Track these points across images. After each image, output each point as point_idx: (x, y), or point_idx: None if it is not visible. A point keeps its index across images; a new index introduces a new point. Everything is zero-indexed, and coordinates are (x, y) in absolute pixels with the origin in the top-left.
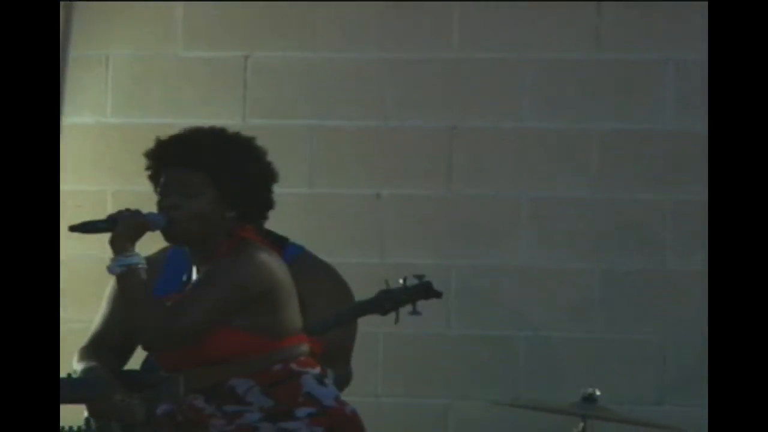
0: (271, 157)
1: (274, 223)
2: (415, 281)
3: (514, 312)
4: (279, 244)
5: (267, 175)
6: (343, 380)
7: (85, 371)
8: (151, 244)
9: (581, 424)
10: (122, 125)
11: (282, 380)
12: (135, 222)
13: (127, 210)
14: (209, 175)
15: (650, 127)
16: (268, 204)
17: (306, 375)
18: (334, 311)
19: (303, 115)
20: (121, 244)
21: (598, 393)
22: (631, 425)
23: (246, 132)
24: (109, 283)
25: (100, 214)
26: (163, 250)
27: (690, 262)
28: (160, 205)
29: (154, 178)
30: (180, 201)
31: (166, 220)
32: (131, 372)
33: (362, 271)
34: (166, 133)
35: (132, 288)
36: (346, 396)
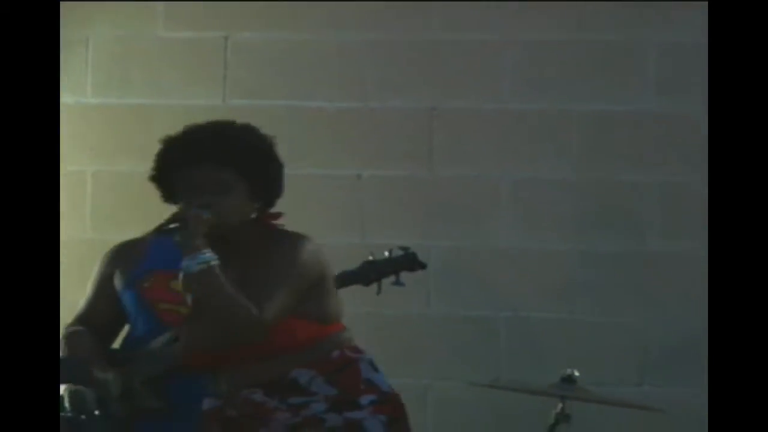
0: None
1: None
2: (400, 252)
3: (495, 293)
4: None
5: (281, 162)
6: None
7: (70, 334)
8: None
9: (560, 405)
10: (102, 105)
11: (342, 367)
12: (201, 219)
13: (190, 208)
14: (237, 170)
15: (632, 108)
16: (282, 190)
17: (362, 361)
18: None
19: (283, 96)
20: (193, 242)
21: (577, 374)
22: (610, 406)
23: (226, 113)
24: (95, 266)
25: (80, 195)
26: (147, 235)
27: (672, 243)
28: (193, 204)
29: (162, 180)
30: (213, 199)
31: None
32: (108, 349)
33: (343, 252)
34: (146, 113)
35: (213, 284)
36: None
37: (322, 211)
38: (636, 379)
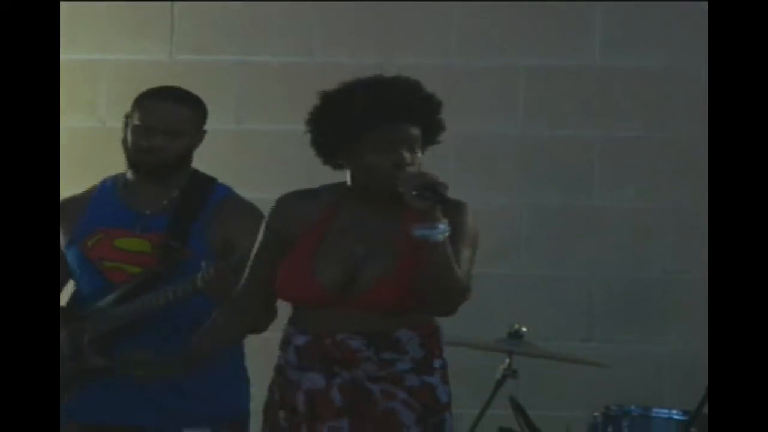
0: (198, 93)
1: (201, 159)
2: None
3: None
4: (208, 184)
5: None
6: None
7: None
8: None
9: (507, 361)
10: None
11: (434, 332)
12: (446, 187)
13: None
14: (422, 129)
15: (577, 63)
16: None
17: (441, 327)
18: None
19: (230, 51)
20: (438, 212)
21: (524, 329)
22: (557, 361)
23: (172, 68)
24: None
25: None
26: (89, 191)
27: (616, 198)
28: (396, 162)
29: (344, 135)
30: (411, 157)
31: None
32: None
33: None
34: (93, 69)
35: (446, 254)
36: (272, 332)
37: (268, 166)
38: (583, 334)
